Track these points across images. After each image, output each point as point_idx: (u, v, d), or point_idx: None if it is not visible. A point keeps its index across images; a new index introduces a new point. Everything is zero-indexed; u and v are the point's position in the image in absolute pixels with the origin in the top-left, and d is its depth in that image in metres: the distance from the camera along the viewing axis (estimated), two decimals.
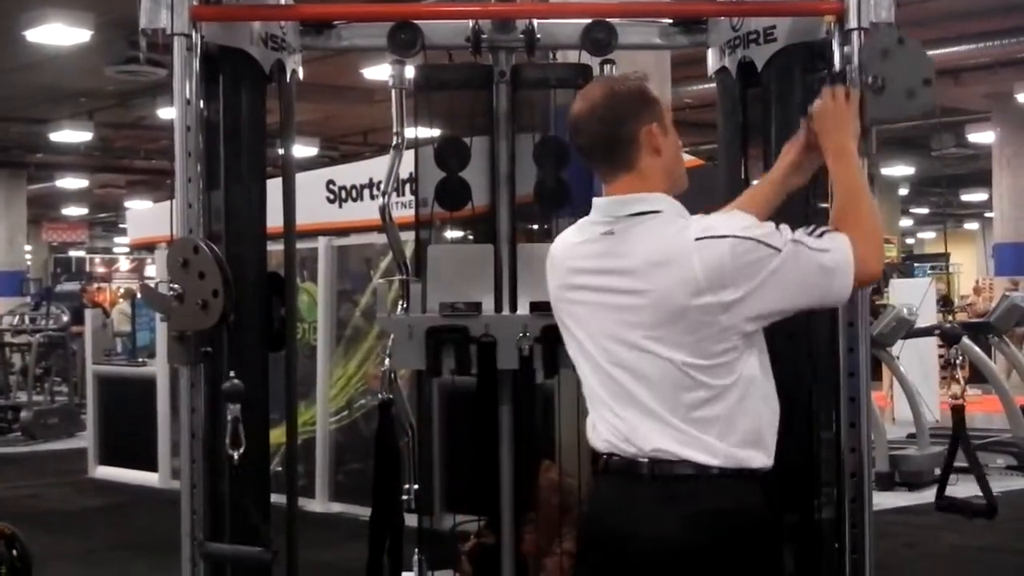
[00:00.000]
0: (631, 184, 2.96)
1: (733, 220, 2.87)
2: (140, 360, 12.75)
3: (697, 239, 2.79)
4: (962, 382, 3.94)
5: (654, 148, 2.96)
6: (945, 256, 30.29)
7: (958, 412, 3.91)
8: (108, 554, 8.59)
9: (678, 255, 2.80)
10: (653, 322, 2.81)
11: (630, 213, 2.91)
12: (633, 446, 2.86)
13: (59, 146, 22.80)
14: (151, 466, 11.35)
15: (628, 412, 2.87)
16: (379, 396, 4.17)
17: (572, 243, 3.07)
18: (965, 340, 10.87)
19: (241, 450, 3.47)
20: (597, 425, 2.98)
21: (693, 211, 2.97)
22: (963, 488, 3.81)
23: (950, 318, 12.19)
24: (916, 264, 30.09)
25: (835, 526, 3.67)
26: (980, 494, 3.98)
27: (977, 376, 12.48)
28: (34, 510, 10.36)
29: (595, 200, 3.00)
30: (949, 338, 4.51)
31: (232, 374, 3.54)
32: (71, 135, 21.19)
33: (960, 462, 3.90)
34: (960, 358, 4.25)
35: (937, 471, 10.13)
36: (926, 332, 11.98)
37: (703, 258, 2.77)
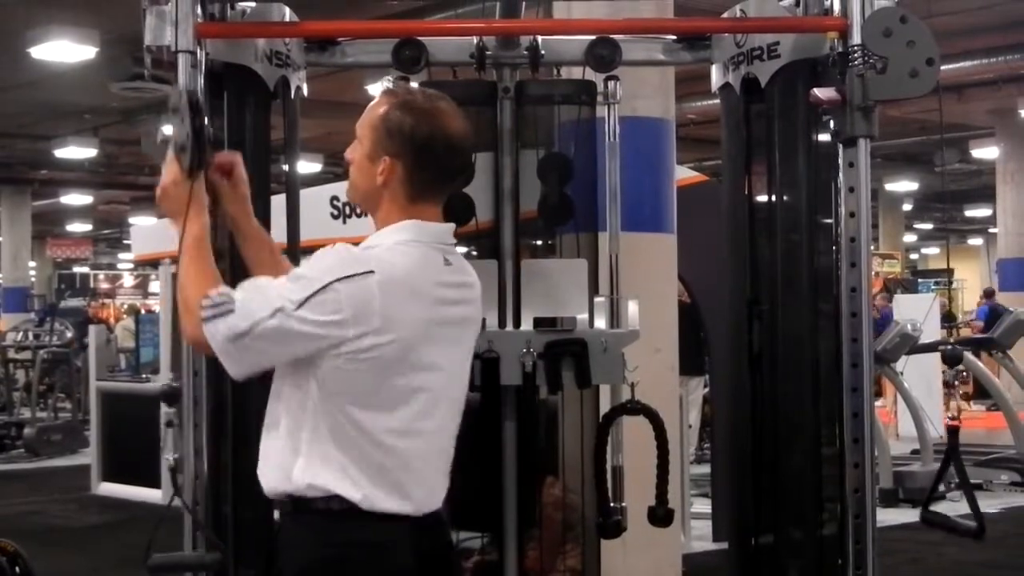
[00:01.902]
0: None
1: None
2: (144, 376, 12.75)
3: None
4: (958, 402, 3.95)
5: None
6: (949, 272, 30.27)
7: (953, 432, 3.92)
8: (111, 571, 8.58)
9: None
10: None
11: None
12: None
13: (64, 162, 22.84)
14: (154, 483, 11.33)
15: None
16: None
17: (429, 268, 2.78)
18: (969, 356, 10.87)
19: (176, 456, 3.53)
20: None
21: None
22: (962, 505, 3.81)
23: (951, 336, 12.15)
24: (920, 280, 30.09)
25: (838, 542, 3.67)
26: (984, 511, 3.98)
27: (981, 392, 12.47)
28: (37, 527, 10.35)
29: (420, 224, 2.79)
30: (949, 359, 4.53)
31: (172, 376, 3.60)
32: (76, 151, 21.23)
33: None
34: (958, 379, 4.26)
35: (941, 488, 10.13)
36: (930, 348, 11.97)
37: None
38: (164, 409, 3.62)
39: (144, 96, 15.47)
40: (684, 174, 9.46)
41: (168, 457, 3.59)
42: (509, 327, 3.92)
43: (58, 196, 28.94)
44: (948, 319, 12.24)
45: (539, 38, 4.04)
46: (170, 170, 2.94)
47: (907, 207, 32.23)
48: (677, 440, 7.52)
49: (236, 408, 3.84)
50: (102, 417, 12.35)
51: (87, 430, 13.80)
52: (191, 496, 3.69)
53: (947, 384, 4.43)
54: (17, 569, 7.11)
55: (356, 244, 2.74)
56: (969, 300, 29.72)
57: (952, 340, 12.07)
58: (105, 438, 12.27)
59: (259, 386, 3.76)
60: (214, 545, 3.61)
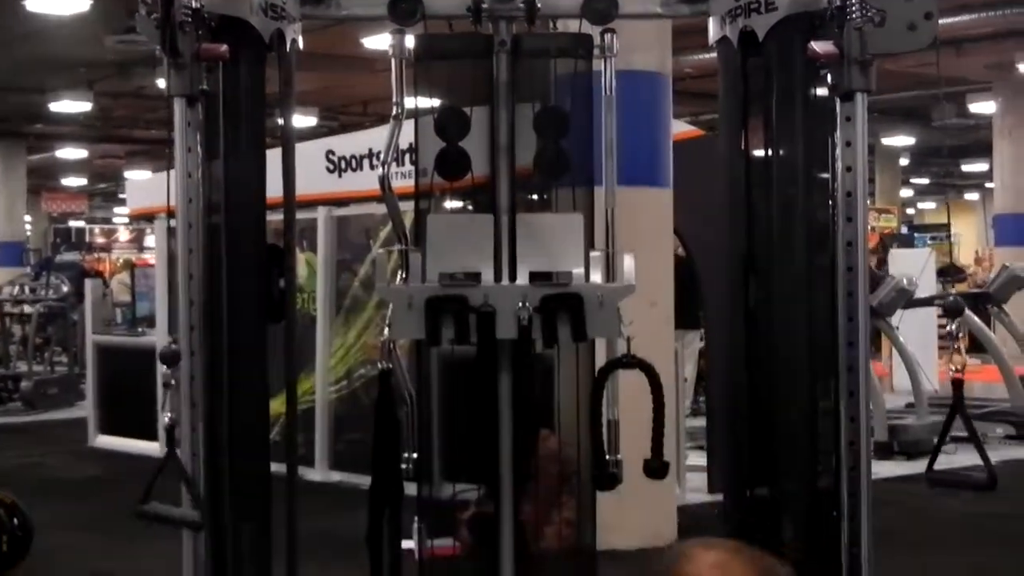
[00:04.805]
0: None
1: None
2: (140, 330, 12.77)
3: None
4: (963, 355, 3.94)
5: None
6: (946, 227, 30.29)
7: (958, 386, 3.91)
8: (109, 522, 8.61)
9: None
10: None
11: None
12: None
13: (58, 116, 22.76)
14: (151, 435, 11.36)
15: None
16: (378, 366, 4.17)
17: None
18: (966, 311, 10.88)
19: (172, 415, 3.56)
20: None
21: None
22: (960, 457, 3.82)
23: (951, 289, 12.17)
24: (916, 234, 30.10)
25: (833, 494, 3.69)
26: (976, 464, 3.99)
27: (976, 346, 12.50)
28: (35, 479, 10.40)
29: None
30: (951, 311, 4.50)
31: (172, 339, 3.63)
32: (70, 105, 21.15)
33: (957, 431, 3.91)
34: (960, 333, 4.25)
35: (935, 440, 10.16)
36: (926, 302, 12.01)
37: None
38: (162, 370, 3.64)
39: (139, 49, 15.38)
40: (681, 128, 9.46)
41: (165, 416, 3.61)
42: (505, 281, 3.92)
43: (53, 150, 28.88)
44: (948, 272, 12.25)
45: None
46: None
47: (904, 162, 32.21)
48: (673, 393, 7.55)
49: (232, 361, 3.85)
50: (98, 371, 12.38)
51: (83, 384, 13.83)
52: (188, 448, 3.71)
53: (949, 336, 4.41)
54: (15, 520, 7.15)
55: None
56: (965, 255, 29.73)
57: (951, 293, 12.11)
58: (101, 391, 12.31)
59: (253, 337, 3.79)
60: (198, 504, 3.64)
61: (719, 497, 4.30)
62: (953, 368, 3.89)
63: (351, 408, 10.16)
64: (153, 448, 11.27)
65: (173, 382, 3.63)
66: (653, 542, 7.33)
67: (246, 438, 3.94)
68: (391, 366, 4.11)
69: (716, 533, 3.99)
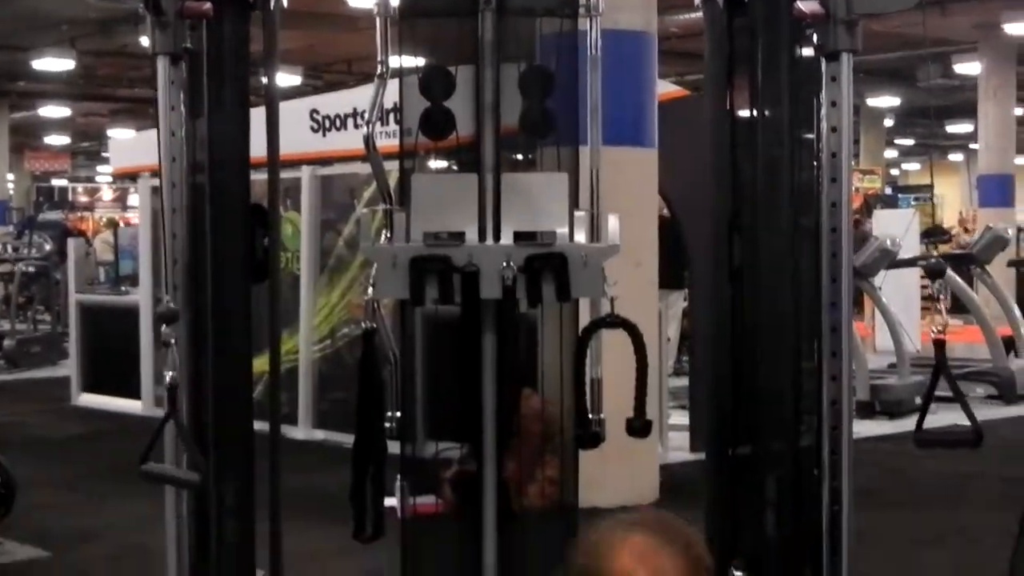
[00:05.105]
0: None
1: None
2: (123, 289, 12.76)
3: None
4: (944, 315, 3.95)
5: None
6: (930, 187, 30.33)
7: (940, 346, 3.93)
8: (92, 480, 8.63)
9: None
10: None
11: None
12: None
13: (41, 74, 22.63)
14: (134, 394, 11.38)
15: None
16: (362, 325, 4.17)
17: None
18: (948, 271, 10.93)
19: (174, 374, 3.56)
20: None
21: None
22: (941, 417, 3.84)
23: (934, 250, 12.19)
24: (900, 195, 30.12)
25: (815, 453, 3.71)
26: (958, 424, 4.00)
27: (959, 307, 12.56)
28: (18, 437, 10.39)
29: None
30: (933, 272, 4.53)
31: (167, 298, 3.63)
32: (53, 63, 21.02)
33: (941, 391, 3.93)
34: (942, 293, 4.27)
35: (917, 400, 10.23)
36: (909, 263, 12.04)
37: None
38: (164, 329, 3.62)
39: (122, 7, 15.30)
40: (666, 88, 9.44)
41: (167, 374, 3.60)
42: (489, 241, 3.92)
43: (36, 108, 28.71)
44: (933, 234, 12.27)
45: None
46: None
47: (888, 123, 32.21)
48: (656, 353, 7.57)
49: (216, 319, 3.85)
50: (81, 329, 12.38)
51: (66, 342, 13.82)
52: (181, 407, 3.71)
53: (932, 298, 4.44)
54: None
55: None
56: (949, 216, 29.78)
57: (934, 255, 12.14)
58: (84, 350, 12.30)
59: (237, 296, 3.79)
60: (196, 465, 3.64)
61: (701, 456, 4.32)
62: (935, 329, 3.90)
63: (335, 367, 10.17)
64: (135, 406, 11.29)
65: (173, 341, 3.61)
66: (635, 500, 7.37)
67: (230, 396, 3.94)
68: (375, 325, 4.11)
69: (698, 492, 4.02)
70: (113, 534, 7.41)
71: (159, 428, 3.61)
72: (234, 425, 3.93)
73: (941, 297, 4.20)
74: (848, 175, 3.65)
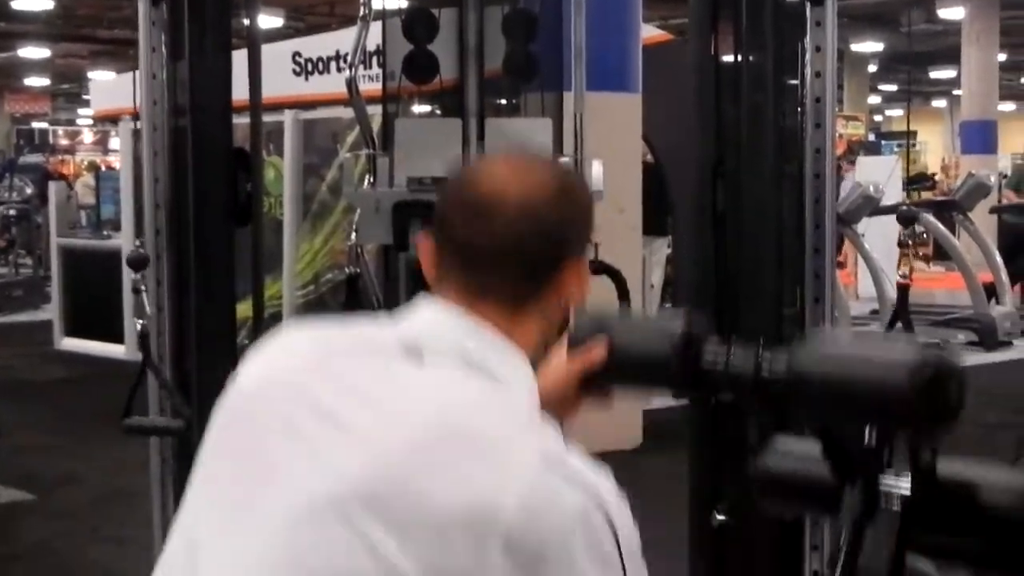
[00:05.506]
0: (501, 320, 1.63)
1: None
2: (105, 233, 12.71)
3: (545, 465, 1.51)
4: (911, 262, 3.98)
5: (564, 292, 1.70)
6: (911, 133, 30.34)
7: (902, 290, 3.97)
8: (76, 423, 8.63)
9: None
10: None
11: (467, 351, 1.60)
12: None
13: (19, 14, 22.39)
14: (117, 338, 11.36)
15: None
16: (346, 271, 4.17)
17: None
18: (930, 218, 10.97)
19: (144, 322, 3.55)
20: None
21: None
22: None
23: (920, 197, 12.24)
24: (883, 141, 30.13)
25: None
26: None
27: (941, 253, 12.59)
28: (1, 381, 10.38)
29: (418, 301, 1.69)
30: (905, 219, 4.58)
31: (138, 243, 3.62)
32: (32, 2, 20.81)
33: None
34: (915, 240, 4.31)
35: None
36: (891, 210, 12.04)
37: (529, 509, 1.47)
38: (131, 276, 3.61)
39: None
40: (650, 32, 9.41)
41: (137, 322, 3.60)
42: None
43: (15, 49, 28.48)
44: (917, 180, 12.30)
45: None
46: None
47: (872, 68, 32.16)
48: (639, 299, 7.58)
49: (199, 264, 3.84)
50: (63, 273, 12.34)
51: (48, 286, 13.78)
52: (155, 352, 3.71)
53: (901, 244, 4.49)
54: None
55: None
56: (932, 163, 29.80)
57: (910, 202, 12.17)
58: (67, 294, 12.27)
59: (220, 241, 3.77)
60: (179, 411, 3.64)
61: (684, 402, 4.32)
62: (901, 274, 3.95)
63: (318, 313, 10.17)
64: (119, 351, 11.27)
65: (144, 288, 3.61)
66: (618, 446, 7.40)
67: (213, 342, 3.94)
68: (358, 271, 4.11)
69: (681, 438, 4.04)
70: (97, 477, 7.42)
71: (137, 379, 3.61)
72: (218, 370, 3.93)
73: (910, 243, 4.24)
74: (832, 121, 3.64)
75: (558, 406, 1.79)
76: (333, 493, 1.47)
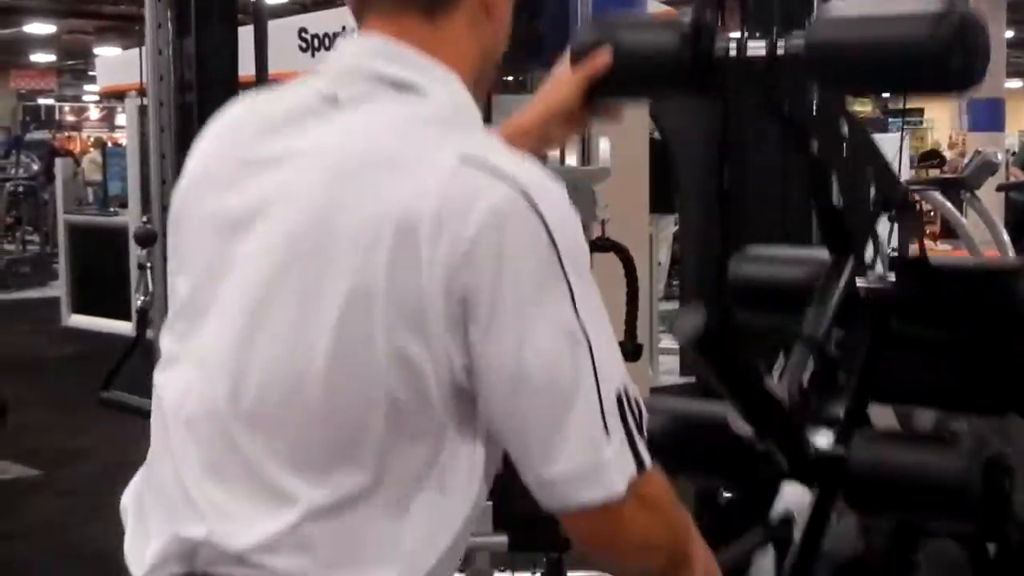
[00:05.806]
0: (422, 35, 1.57)
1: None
2: (112, 210, 12.70)
3: (463, 165, 1.42)
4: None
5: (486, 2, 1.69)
6: (920, 111, 30.27)
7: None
8: (83, 399, 8.63)
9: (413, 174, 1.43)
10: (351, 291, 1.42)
11: (385, 75, 1.54)
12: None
13: None
14: (124, 315, 11.35)
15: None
16: None
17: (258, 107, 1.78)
18: (937, 196, 10.97)
19: (145, 298, 3.56)
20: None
21: None
22: None
23: (930, 174, 12.18)
24: (891, 119, 30.02)
25: None
26: None
27: (948, 231, 12.56)
28: (8, 358, 10.40)
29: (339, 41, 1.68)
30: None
31: (145, 219, 3.62)
32: None
33: None
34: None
35: None
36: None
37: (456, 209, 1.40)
38: (137, 251, 3.62)
39: None
40: (656, 7, 9.37)
41: (139, 298, 3.61)
42: None
43: (21, 25, 28.44)
44: (929, 157, 12.25)
45: None
46: None
47: None
48: (647, 277, 7.57)
49: None
50: (70, 250, 12.34)
51: (55, 263, 13.78)
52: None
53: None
54: None
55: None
56: (941, 140, 29.69)
57: (919, 180, 12.15)
58: (74, 271, 12.27)
59: None
60: None
61: (692, 379, 4.33)
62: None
63: None
64: (126, 328, 11.26)
65: (149, 264, 3.62)
66: None
67: None
68: None
69: None
70: (103, 452, 7.43)
71: (126, 352, 3.61)
72: None
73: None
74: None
75: (563, 123, 1.83)
76: (292, 232, 1.47)
